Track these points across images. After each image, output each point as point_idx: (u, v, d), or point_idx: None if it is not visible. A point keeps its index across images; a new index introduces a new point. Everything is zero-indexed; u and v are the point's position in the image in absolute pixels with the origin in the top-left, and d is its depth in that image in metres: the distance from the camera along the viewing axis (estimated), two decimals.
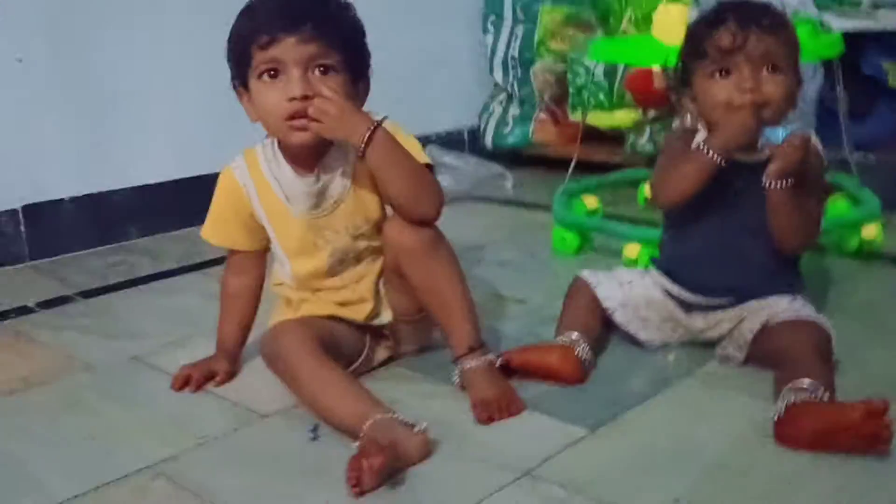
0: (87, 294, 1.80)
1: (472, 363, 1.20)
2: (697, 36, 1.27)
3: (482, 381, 1.19)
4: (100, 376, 1.38)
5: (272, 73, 1.15)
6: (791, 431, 1.03)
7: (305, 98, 1.13)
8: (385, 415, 1.06)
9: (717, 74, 1.24)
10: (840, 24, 2.07)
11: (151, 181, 2.20)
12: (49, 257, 2.04)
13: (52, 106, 2.03)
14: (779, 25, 1.24)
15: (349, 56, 1.18)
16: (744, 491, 0.96)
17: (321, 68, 1.15)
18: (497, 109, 2.95)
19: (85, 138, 2.09)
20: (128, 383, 1.35)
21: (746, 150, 1.24)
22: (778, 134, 1.21)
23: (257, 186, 1.25)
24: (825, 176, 1.34)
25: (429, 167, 1.21)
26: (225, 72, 1.22)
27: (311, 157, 1.23)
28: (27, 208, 2.01)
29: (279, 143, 1.25)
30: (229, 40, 1.19)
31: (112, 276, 1.91)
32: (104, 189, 2.13)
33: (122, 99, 2.14)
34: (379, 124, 1.13)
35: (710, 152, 1.22)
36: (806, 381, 1.07)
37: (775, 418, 1.05)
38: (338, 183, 1.24)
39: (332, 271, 1.28)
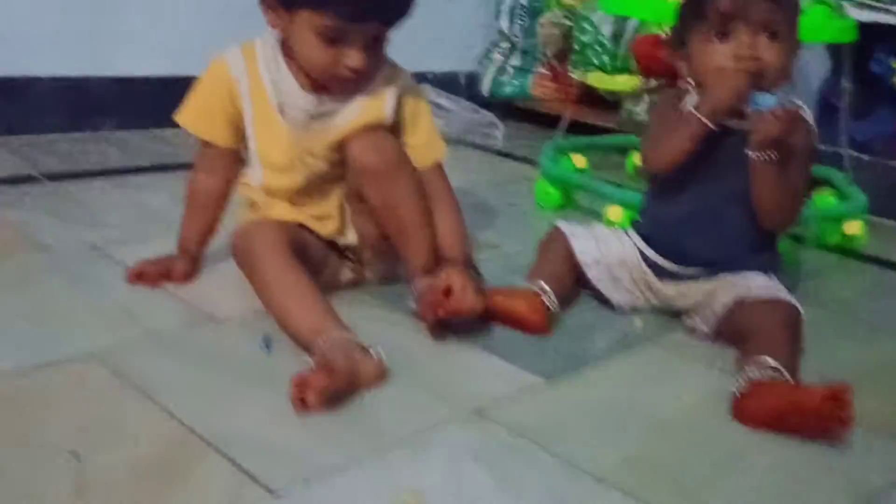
0: (54, 177, 1.74)
1: (425, 280, 1.18)
2: None
3: (432, 292, 1.16)
4: (54, 258, 1.33)
5: (333, 35, 1.11)
6: (751, 406, 1.01)
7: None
8: (342, 333, 1.03)
9: (715, 38, 1.21)
10: (859, 14, 2.03)
11: (135, 74, 2.13)
12: (18, 134, 1.97)
13: None
14: None
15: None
16: (692, 457, 0.94)
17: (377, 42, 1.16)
18: (498, 57, 2.89)
19: (72, 18, 2.01)
20: (82, 269, 1.30)
21: (736, 115, 1.21)
22: (767, 101, 1.17)
23: (251, 85, 1.20)
24: (815, 153, 1.31)
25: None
26: None
27: None
28: (2, 81, 1.93)
29: (283, 46, 1.20)
30: None
31: (82, 164, 1.86)
32: (84, 74, 2.06)
33: None
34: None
35: (701, 116, 1.19)
36: (771, 360, 1.05)
37: (736, 392, 1.03)
38: (340, 114, 1.20)
39: (302, 192, 1.24)
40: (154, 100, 2.15)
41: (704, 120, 1.19)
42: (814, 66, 2.34)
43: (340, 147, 1.21)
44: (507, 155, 2.43)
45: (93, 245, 1.39)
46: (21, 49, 1.96)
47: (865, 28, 2.02)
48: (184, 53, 2.15)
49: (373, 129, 1.21)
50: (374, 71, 1.19)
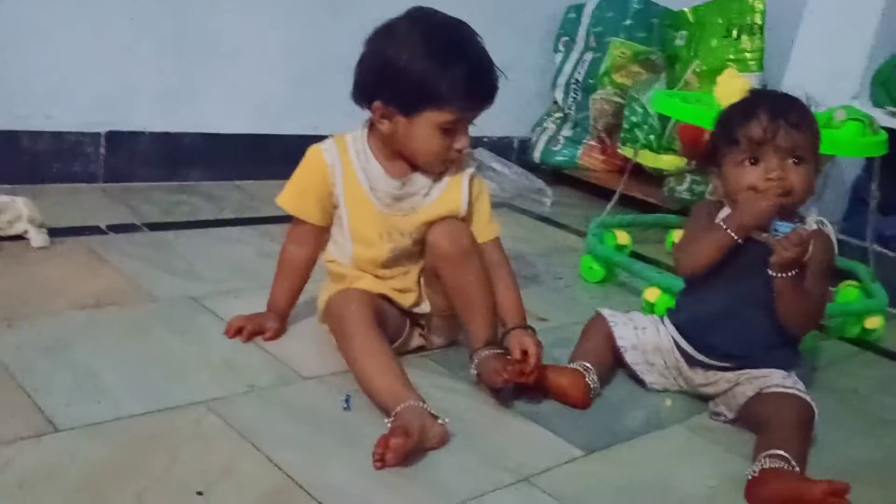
0: (153, 227, 1.95)
1: (486, 353, 1.37)
2: (730, 124, 1.40)
3: (495, 360, 1.35)
4: (162, 308, 1.53)
5: (452, 127, 1.34)
6: (760, 492, 1.17)
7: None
8: (416, 402, 1.21)
9: (747, 162, 1.37)
10: (890, 122, 2.20)
11: (223, 130, 2.35)
12: (119, 182, 2.20)
13: (152, 46, 2.19)
14: (805, 120, 1.37)
15: None
16: None
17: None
18: (551, 126, 3.08)
19: (173, 79, 2.24)
20: (186, 320, 1.50)
21: (760, 230, 1.36)
22: (784, 228, 1.32)
23: (345, 172, 1.41)
24: (833, 264, 1.45)
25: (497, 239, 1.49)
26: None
27: (405, 164, 1.40)
28: (110, 134, 2.17)
29: (370, 139, 1.40)
30: (427, 74, 1.29)
31: (175, 214, 2.07)
32: (179, 130, 2.28)
33: (213, 49, 2.28)
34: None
35: (729, 230, 1.36)
36: (782, 451, 1.21)
37: (749, 477, 1.20)
38: (420, 195, 1.41)
39: (387, 264, 1.44)
40: (235, 153, 2.38)
41: (731, 234, 1.36)
42: (848, 163, 2.50)
43: (423, 229, 1.41)
44: (554, 222, 2.61)
45: (192, 297, 1.59)
46: (126, 106, 2.19)
47: None
48: (264, 114, 2.39)
49: (450, 218, 1.41)
50: None
